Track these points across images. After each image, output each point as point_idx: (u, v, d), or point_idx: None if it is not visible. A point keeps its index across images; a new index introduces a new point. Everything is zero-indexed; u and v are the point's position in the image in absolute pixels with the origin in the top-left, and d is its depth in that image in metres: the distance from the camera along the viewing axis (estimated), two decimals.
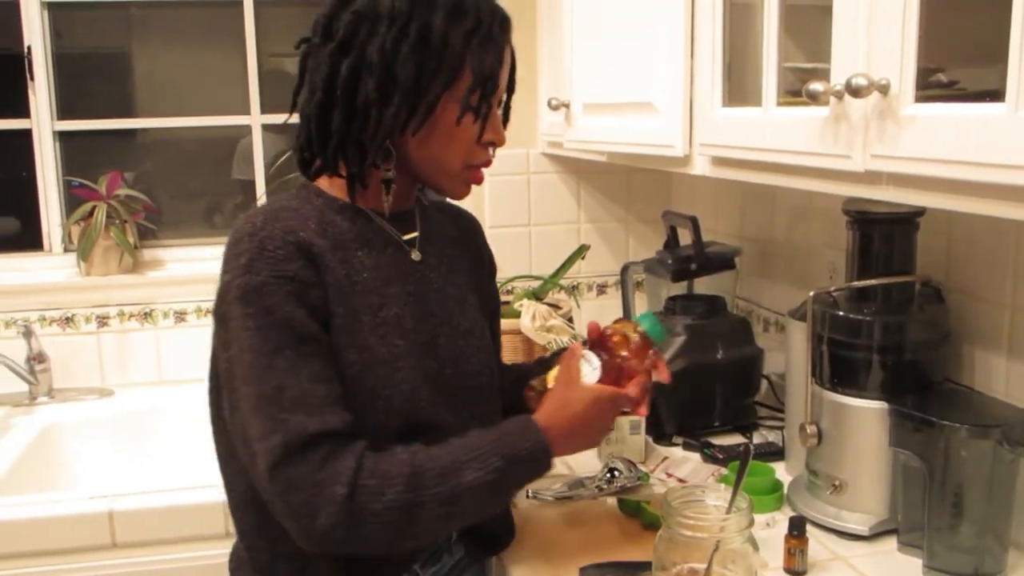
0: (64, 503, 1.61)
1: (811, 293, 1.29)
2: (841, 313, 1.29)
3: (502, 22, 1.12)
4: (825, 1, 1.00)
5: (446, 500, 1.01)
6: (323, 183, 1.17)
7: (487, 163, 1.18)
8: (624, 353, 1.18)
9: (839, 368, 1.30)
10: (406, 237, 1.19)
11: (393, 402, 1.08)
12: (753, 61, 1.18)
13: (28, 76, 2.28)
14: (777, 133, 1.12)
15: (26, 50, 2.26)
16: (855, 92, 0.90)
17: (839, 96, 0.94)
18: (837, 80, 0.95)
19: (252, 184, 2.43)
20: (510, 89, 1.19)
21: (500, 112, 1.19)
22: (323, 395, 1.02)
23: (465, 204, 1.32)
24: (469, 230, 1.36)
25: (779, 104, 1.13)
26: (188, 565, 1.65)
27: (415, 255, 1.19)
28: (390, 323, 1.11)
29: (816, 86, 0.96)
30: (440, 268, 1.22)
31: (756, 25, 1.17)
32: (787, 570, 1.17)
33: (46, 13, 2.29)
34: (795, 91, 1.10)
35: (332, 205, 1.14)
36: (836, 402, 1.29)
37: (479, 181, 1.19)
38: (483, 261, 1.36)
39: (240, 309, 1.01)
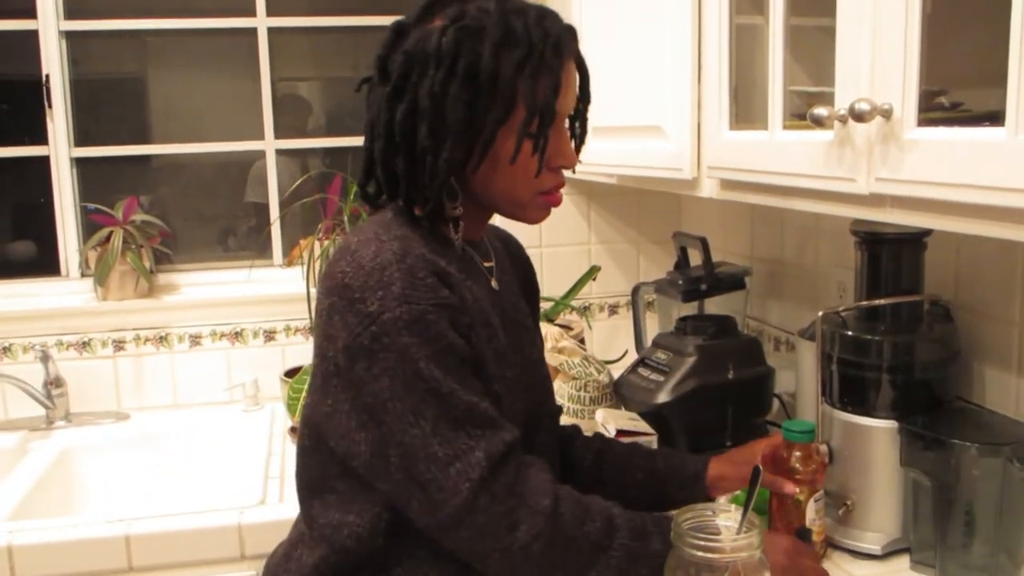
0: (81, 527, 1.62)
1: (820, 313, 1.30)
2: (850, 332, 1.29)
3: (556, 44, 1.04)
4: (830, 23, 1.02)
5: (630, 557, 1.01)
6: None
7: (559, 185, 1.12)
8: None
9: (849, 387, 1.30)
10: (486, 266, 1.17)
11: None
12: (759, 84, 1.19)
13: (46, 103, 2.31)
14: (783, 156, 1.14)
15: (44, 78, 2.30)
16: (859, 117, 0.91)
17: (843, 121, 0.96)
18: (841, 105, 0.97)
19: (265, 207, 2.45)
20: (585, 100, 1.15)
21: (578, 126, 1.15)
22: (493, 409, 1.02)
23: None
24: (519, 257, 1.33)
25: (785, 127, 1.14)
26: None
27: (494, 284, 1.17)
28: (500, 353, 1.10)
29: (820, 111, 0.97)
30: (511, 297, 1.20)
31: (762, 49, 1.18)
32: None
33: (64, 41, 2.32)
34: (801, 114, 1.11)
35: (432, 232, 1.10)
36: (847, 421, 1.29)
37: (557, 203, 1.13)
38: (532, 290, 1.35)
39: (406, 340, 0.98)
